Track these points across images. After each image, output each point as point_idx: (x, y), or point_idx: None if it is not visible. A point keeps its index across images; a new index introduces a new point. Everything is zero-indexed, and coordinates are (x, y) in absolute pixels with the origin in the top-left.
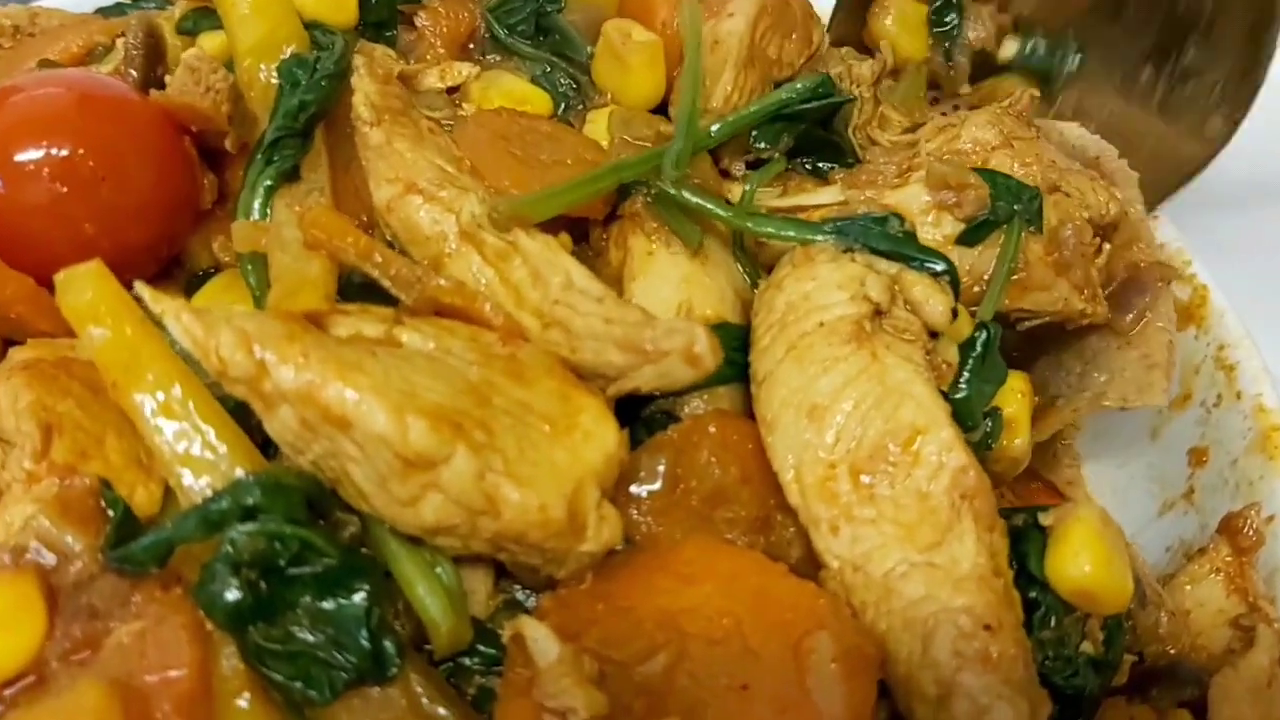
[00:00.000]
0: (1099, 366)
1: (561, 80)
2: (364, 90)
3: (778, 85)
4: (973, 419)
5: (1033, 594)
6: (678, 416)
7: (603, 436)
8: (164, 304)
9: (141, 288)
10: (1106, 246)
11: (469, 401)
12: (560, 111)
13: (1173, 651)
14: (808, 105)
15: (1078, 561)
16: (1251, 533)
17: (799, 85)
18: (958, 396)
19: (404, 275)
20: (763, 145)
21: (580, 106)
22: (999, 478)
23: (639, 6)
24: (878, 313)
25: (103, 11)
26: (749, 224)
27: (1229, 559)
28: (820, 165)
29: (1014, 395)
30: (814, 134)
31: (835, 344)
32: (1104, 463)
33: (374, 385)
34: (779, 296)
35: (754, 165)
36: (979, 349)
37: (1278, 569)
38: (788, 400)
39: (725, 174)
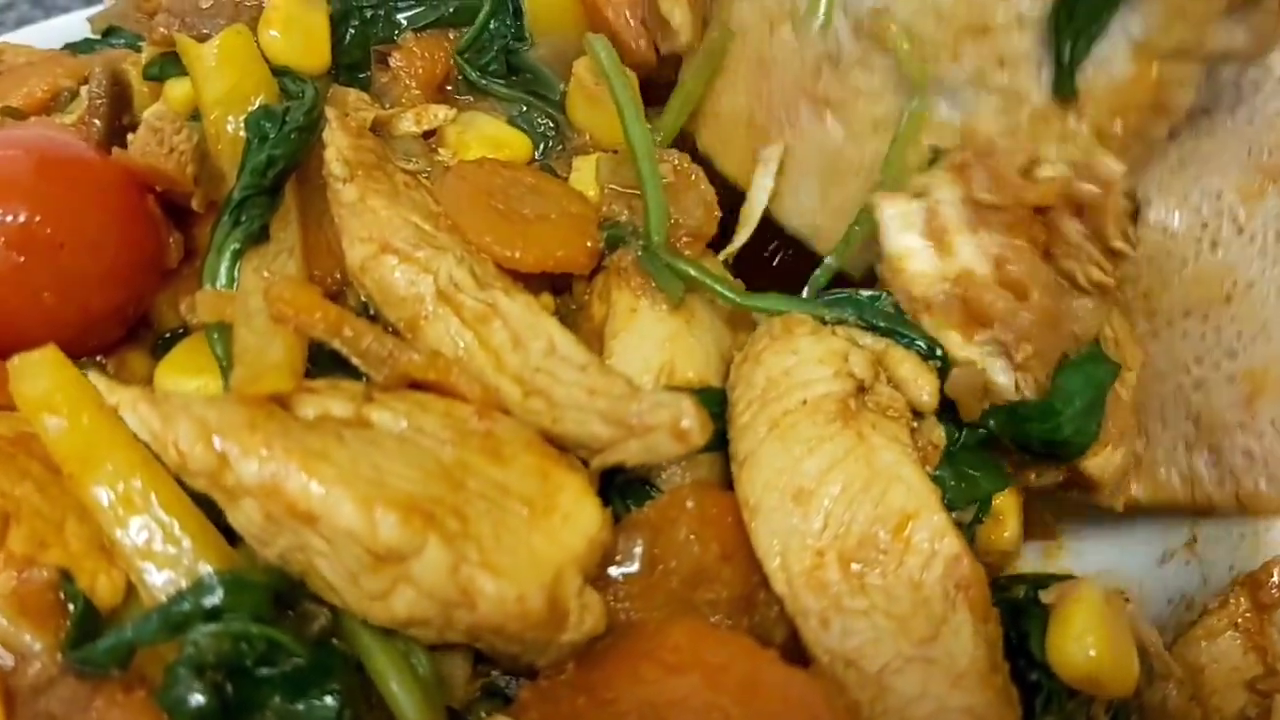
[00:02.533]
0: None
1: (539, 120)
2: (336, 145)
3: None
4: (956, 503)
5: (1034, 677)
6: (654, 484)
7: (584, 517)
8: (119, 395)
9: (97, 378)
10: None
11: (442, 487)
12: (540, 153)
13: None
14: None
15: (1081, 645)
16: (1275, 589)
17: None
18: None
19: (374, 351)
20: None
21: (560, 147)
22: (991, 569)
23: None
24: (861, 389)
25: (71, 48)
26: (739, 300)
27: (1248, 614)
28: None
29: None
30: None
31: (820, 423)
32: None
33: (340, 476)
34: (758, 371)
35: None
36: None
37: None
38: (772, 483)
39: None
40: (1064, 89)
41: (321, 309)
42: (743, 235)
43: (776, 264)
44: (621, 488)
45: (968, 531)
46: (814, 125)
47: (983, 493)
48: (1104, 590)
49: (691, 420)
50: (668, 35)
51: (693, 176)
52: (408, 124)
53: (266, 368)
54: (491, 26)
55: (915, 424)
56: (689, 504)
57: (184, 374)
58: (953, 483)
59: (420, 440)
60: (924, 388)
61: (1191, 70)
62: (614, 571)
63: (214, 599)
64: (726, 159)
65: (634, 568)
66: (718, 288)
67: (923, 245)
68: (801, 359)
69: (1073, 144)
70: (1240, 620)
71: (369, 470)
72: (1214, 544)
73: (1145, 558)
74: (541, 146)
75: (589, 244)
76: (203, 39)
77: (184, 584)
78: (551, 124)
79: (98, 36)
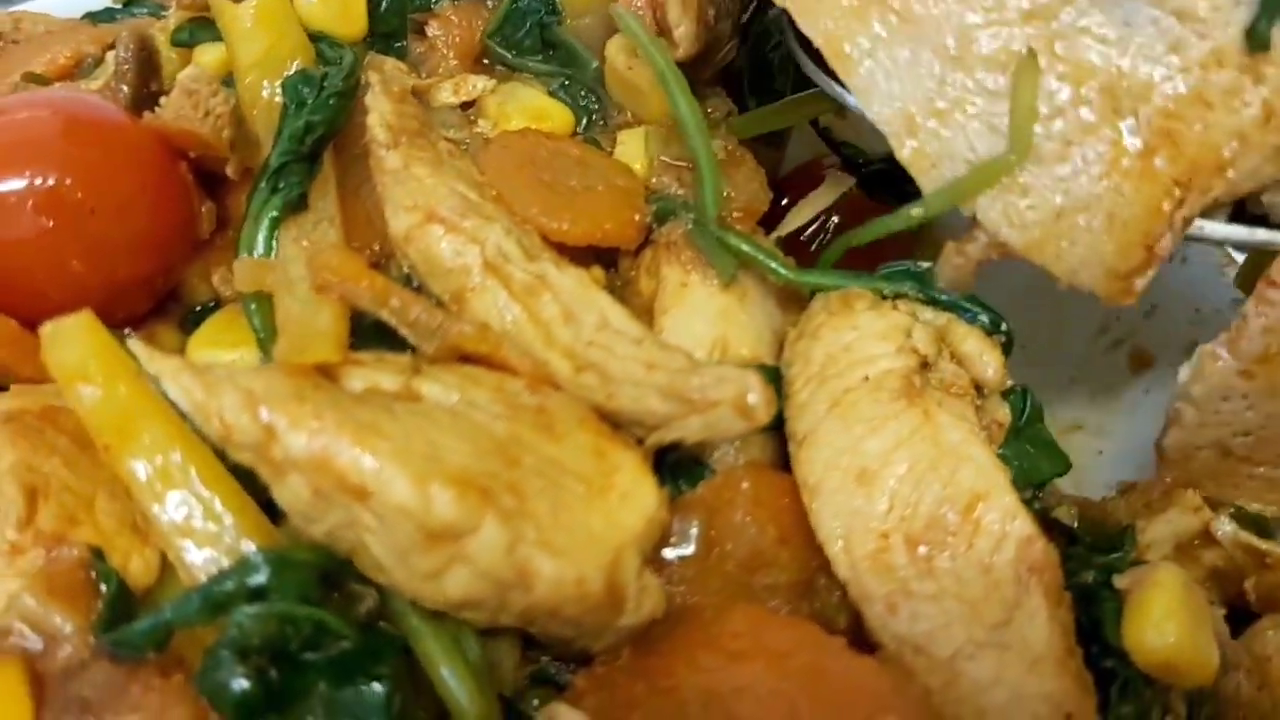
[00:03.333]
0: None
1: (581, 94)
2: (379, 110)
3: None
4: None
5: (1109, 664)
6: (706, 464)
7: (642, 497)
8: (160, 364)
9: (137, 345)
10: None
11: (497, 462)
12: (583, 127)
13: (1254, 718)
14: None
15: (1160, 632)
16: None
17: None
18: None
19: (424, 322)
20: None
21: (603, 122)
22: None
23: None
24: (924, 365)
25: (91, 17)
26: (794, 276)
27: None
28: None
29: None
30: None
31: (883, 401)
32: None
33: (394, 450)
34: (816, 347)
35: None
36: (1024, 412)
37: None
38: (833, 463)
39: None
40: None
41: (368, 278)
42: (806, 212)
43: (814, 249)
44: (673, 467)
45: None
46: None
47: (1043, 475)
48: (1183, 575)
49: (758, 395)
50: (670, 45)
51: (742, 155)
52: (446, 94)
53: (313, 337)
54: (522, 2)
55: (979, 401)
56: (744, 485)
57: (218, 347)
58: (1016, 463)
59: (473, 414)
60: (989, 363)
61: None
62: (669, 554)
63: (259, 578)
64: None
65: (689, 550)
66: (771, 264)
67: None
68: (862, 334)
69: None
70: None
71: (422, 445)
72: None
73: None
74: (584, 120)
75: (637, 217)
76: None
77: (225, 563)
78: (594, 98)
79: (119, 5)
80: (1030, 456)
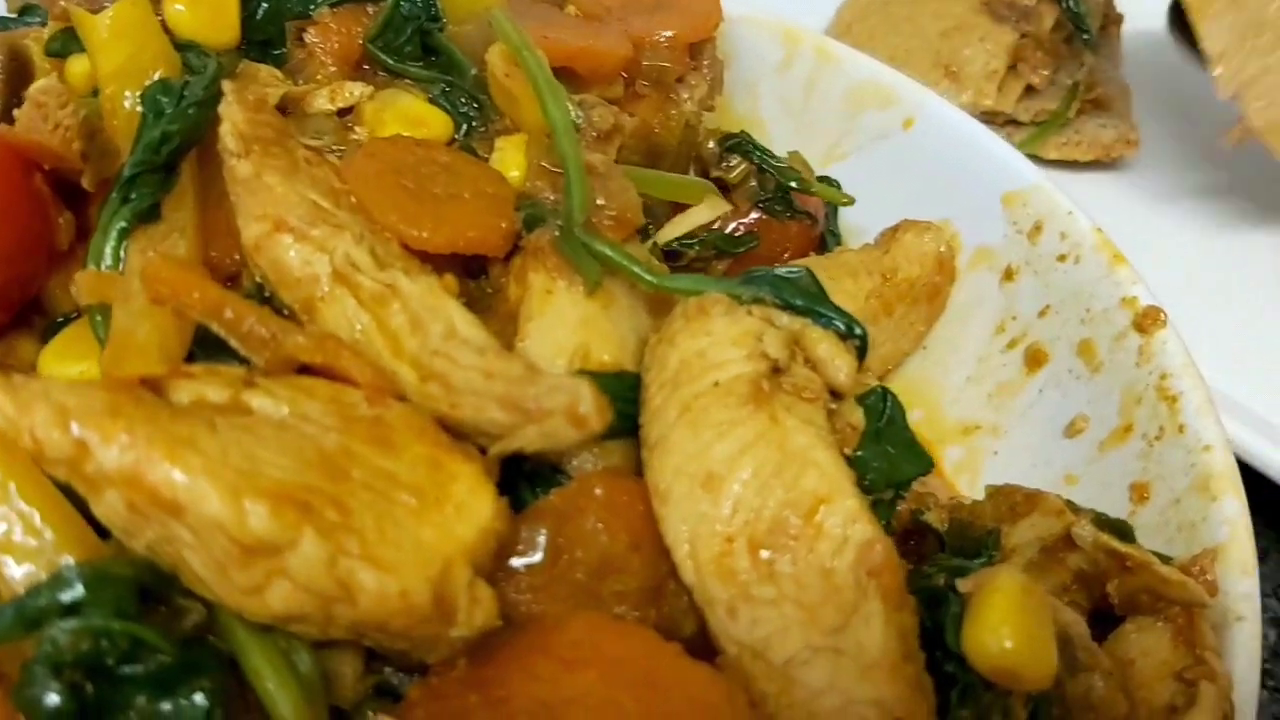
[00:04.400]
0: None
1: (461, 101)
2: (231, 118)
3: None
4: (873, 485)
5: (949, 668)
6: (565, 472)
7: (477, 508)
8: None
9: None
10: None
11: (321, 476)
12: (462, 134)
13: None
14: None
15: (997, 636)
16: (1206, 580)
17: None
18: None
19: (256, 333)
20: None
21: (483, 129)
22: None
23: None
24: (776, 370)
25: None
26: (655, 281)
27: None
28: None
29: None
30: None
31: (732, 405)
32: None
33: (207, 465)
34: (671, 353)
35: None
36: (883, 414)
37: (1227, 616)
38: (681, 468)
39: None
40: None
41: (200, 289)
42: (683, 225)
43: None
44: (530, 476)
45: (886, 512)
46: None
47: (904, 475)
48: (1022, 579)
49: (588, 405)
50: None
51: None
52: (322, 101)
53: (133, 348)
54: (403, 8)
55: (834, 405)
56: (597, 491)
57: (67, 360)
58: (875, 464)
59: (303, 427)
60: (841, 368)
61: None
62: (516, 562)
63: (73, 593)
64: None
65: (537, 558)
66: (635, 269)
67: None
68: (714, 340)
69: None
70: (1170, 613)
71: (240, 459)
72: (1150, 534)
73: None
74: (464, 127)
75: (504, 224)
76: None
77: (44, 578)
78: (474, 104)
79: (14, 15)
80: (891, 457)
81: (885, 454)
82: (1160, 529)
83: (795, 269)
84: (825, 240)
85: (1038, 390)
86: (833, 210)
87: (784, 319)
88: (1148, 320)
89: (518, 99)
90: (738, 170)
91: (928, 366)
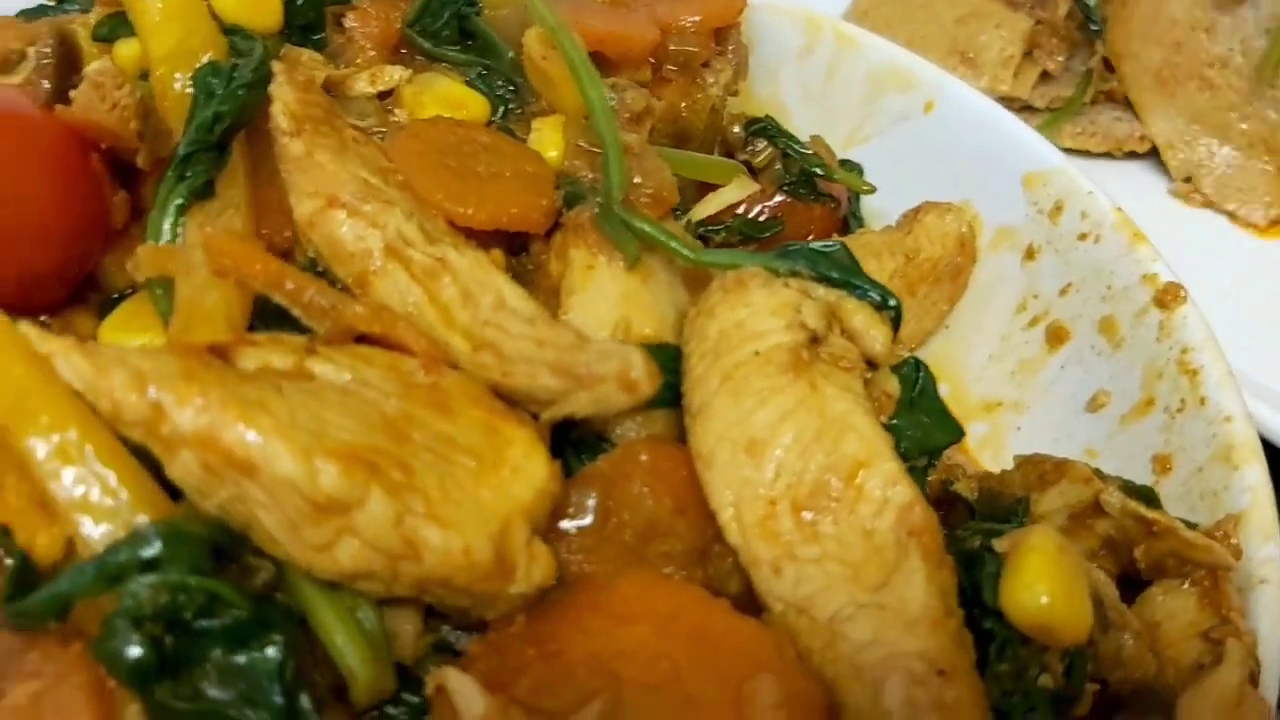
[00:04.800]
0: None
1: (498, 83)
2: (282, 99)
3: None
4: (909, 452)
5: (987, 625)
6: (609, 439)
7: (533, 470)
8: (50, 344)
9: (26, 327)
10: None
11: (385, 438)
12: (499, 115)
13: (1138, 676)
14: None
15: (1034, 592)
16: (1230, 544)
17: None
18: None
19: (317, 303)
20: None
21: (520, 110)
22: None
23: None
24: (814, 340)
25: (25, 14)
26: (693, 255)
27: (1204, 571)
28: None
29: None
30: None
31: (771, 374)
32: None
33: (278, 426)
34: (711, 324)
35: None
36: (916, 384)
37: (1250, 580)
38: (724, 435)
39: None
40: None
41: (262, 261)
42: (715, 203)
43: None
44: (577, 443)
45: (920, 479)
46: None
47: (937, 442)
48: (1058, 538)
49: (640, 370)
50: None
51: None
52: (362, 84)
53: (202, 318)
54: None
55: (869, 374)
56: (642, 457)
57: (127, 332)
58: (910, 432)
59: (364, 393)
60: (877, 338)
61: None
62: (566, 525)
63: (151, 550)
64: None
65: (587, 520)
66: (673, 244)
67: None
68: (753, 311)
69: None
70: (1197, 576)
71: (309, 421)
72: (1174, 503)
73: None
74: (501, 109)
75: (544, 202)
76: None
77: (122, 536)
78: (511, 87)
79: (53, 3)
80: (924, 426)
81: (919, 422)
82: (1183, 498)
83: (830, 243)
84: (849, 223)
85: (1060, 367)
86: (855, 193)
87: (820, 291)
88: (1168, 296)
89: (554, 81)
90: (763, 154)
91: (951, 344)
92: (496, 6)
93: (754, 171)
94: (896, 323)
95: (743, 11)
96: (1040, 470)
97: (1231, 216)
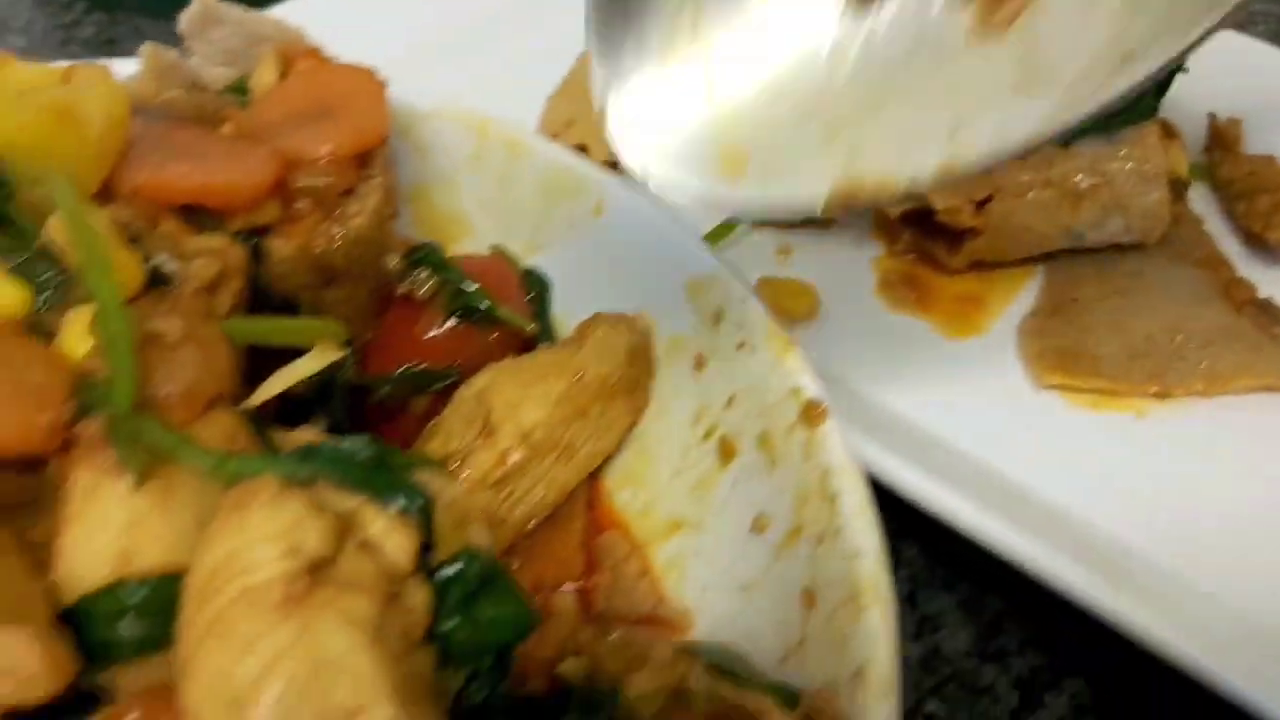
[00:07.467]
0: None
1: (42, 267)
2: None
3: None
4: (462, 658)
5: None
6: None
7: None
8: None
9: None
10: None
11: None
12: (43, 302)
13: None
14: None
15: None
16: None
17: None
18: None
19: None
20: None
21: (63, 300)
22: None
23: None
24: (321, 563)
25: None
26: (214, 465)
27: None
28: None
29: None
30: None
31: (260, 614)
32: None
33: None
34: (206, 556)
35: None
36: (470, 582)
37: None
38: (212, 689)
39: None
40: None
41: None
42: (282, 379)
43: None
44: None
45: (492, 679)
46: None
47: (507, 636)
48: None
49: (38, 663)
50: None
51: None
52: None
53: None
54: None
55: (396, 588)
56: (134, 716)
57: None
58: (461, 635)
59: None
60: (398, 547)
61: None
62: None
63: None
64: None
65: None
66: (190, 455)
67: None
68: (248, 538)
69: None
70: None
71: None
72: (820, 648)
73: (770, 659)
74: (44, 295)
75: (45, 417)
76: None
77: None
78: (60, 272)
79: None
80: (489, 622)
81: (477, 620)
82: (827, 642)
83: (360, 437)
84: (539, 340)
85: (730, 484)
86: (542, 305)
87: (337, 500)
88: (813, 412)
89: (83, 269)
90: (426, 285)
91: (642, 460)
92: (34, 185)
93: (418, 304)
94: (428, 519)
95: (386, 137)
96: (631, 652)
97: None
